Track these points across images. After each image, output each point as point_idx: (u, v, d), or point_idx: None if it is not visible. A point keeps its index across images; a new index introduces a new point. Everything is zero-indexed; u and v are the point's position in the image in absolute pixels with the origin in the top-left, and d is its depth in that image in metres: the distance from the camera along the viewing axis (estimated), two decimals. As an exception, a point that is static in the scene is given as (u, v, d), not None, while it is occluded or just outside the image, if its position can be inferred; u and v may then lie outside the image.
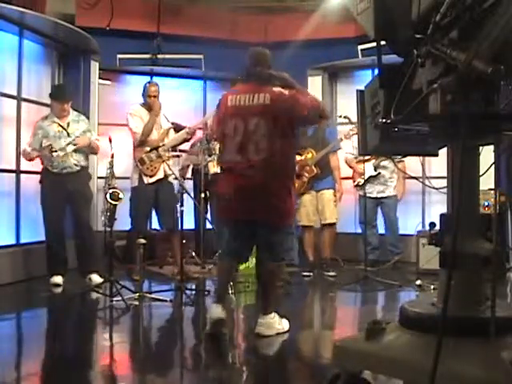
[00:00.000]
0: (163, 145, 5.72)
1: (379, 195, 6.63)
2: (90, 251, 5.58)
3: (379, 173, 6.59)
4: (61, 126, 5.46)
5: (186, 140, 5.99)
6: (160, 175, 5.77)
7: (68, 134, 5.45)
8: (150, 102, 5.83)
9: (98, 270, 5.45)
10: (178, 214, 5.34)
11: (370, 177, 6.58)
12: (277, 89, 3.65)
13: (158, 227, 6.40)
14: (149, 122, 5.76)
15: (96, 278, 5.38)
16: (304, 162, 6.06)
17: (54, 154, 5.30)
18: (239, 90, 3.74)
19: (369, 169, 6.61)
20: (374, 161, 6.52)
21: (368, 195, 6.37)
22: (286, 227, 3.76)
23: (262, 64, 3.72)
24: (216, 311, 3.68)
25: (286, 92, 3.64)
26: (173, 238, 5.83)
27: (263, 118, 3.54)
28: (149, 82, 6.12)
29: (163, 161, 5.70)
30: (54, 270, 5.39)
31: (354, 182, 6.76)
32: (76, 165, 5.46)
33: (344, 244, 6.93)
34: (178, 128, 5.96)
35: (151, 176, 5.69)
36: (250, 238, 3.75)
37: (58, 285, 5.31)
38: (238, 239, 3.75)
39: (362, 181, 6.52)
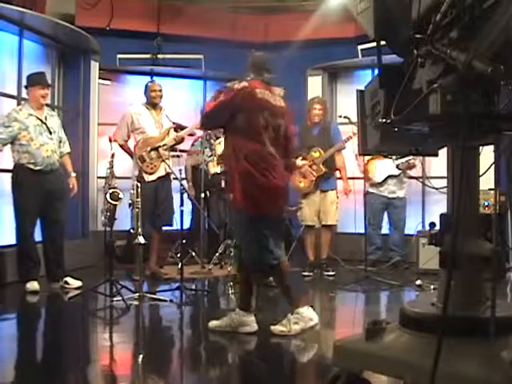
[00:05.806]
0: (164, 145, 5.72)
1: (390, 195, 6.52)
2: (62, 254, 5.34)
3: (401, 173, 6.39)
4: (39, 119, 5.14)
5: (176, 143, 5.93)
6: (161, 173, 5.79)
7: (48, 128, 5.17)
8: (154, 97, 5.87)
9: (69, 273, 5.26)
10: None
11: (390, 176, 6.43)
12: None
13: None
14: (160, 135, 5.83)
15: (72, 281, 5.24)
16: (312, 161, 6.05)
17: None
18: (258, 86, 3.74)
19: (386, 167, 6.40)
20: (394, 157, 6.21)
21: (379, 193, 6.30)
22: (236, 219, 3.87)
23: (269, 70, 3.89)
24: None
25: None
26: (158, 234, 5.88)
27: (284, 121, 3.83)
28: (151, 81, 6.16)
29: (162, 160, 5.67)
30: (29, 276, 5.07)
31: (370, 179, 6.45)
32: (58, 161, 5.27)
33: (344, 244, 6.93)
34: (179, 128, 5.95)
35: (151, 173, 5.70)
36: None
37: (35, 292, 4.98)
38: None
39: (381, 179, 6.41)
